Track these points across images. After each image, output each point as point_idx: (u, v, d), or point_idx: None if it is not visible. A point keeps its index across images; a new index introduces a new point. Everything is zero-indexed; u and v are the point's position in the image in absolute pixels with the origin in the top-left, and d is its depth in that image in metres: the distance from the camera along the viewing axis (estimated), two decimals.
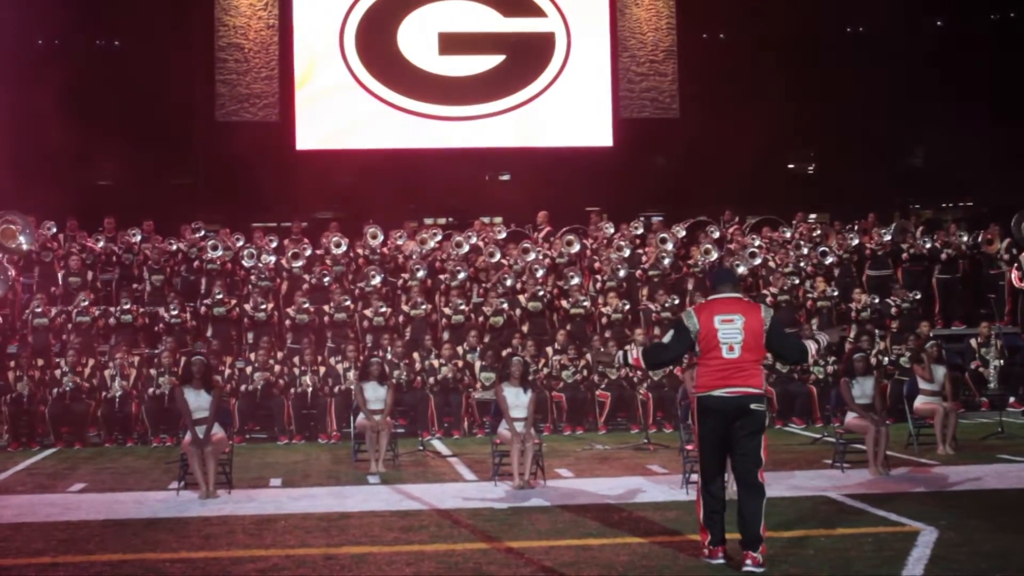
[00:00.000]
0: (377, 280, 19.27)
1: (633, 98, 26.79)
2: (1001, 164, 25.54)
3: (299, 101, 25.90)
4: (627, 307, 19.25)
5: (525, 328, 18.84)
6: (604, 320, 19.15)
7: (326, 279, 19.46)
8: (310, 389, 17.11)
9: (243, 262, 19.79)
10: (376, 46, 26.01)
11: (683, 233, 21.95)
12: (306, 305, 18.53)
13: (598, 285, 19.97)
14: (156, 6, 25.06)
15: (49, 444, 16.54)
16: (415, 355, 17.66)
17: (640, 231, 21.72)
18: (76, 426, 16.77)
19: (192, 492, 12.04)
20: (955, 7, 28.35)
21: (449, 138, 26.26)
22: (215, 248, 19.70)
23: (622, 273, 19.92)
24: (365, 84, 25.90)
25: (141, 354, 17.80)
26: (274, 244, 20.65)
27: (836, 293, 19.82)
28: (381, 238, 20.44)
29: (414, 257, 20.00)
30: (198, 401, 12.30)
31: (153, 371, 16.97)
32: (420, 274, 19.57)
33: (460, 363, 17.63)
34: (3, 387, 16.75)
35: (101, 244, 20.45)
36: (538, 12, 26.37)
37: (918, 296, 19.89)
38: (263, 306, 18.70)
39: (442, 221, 26.45)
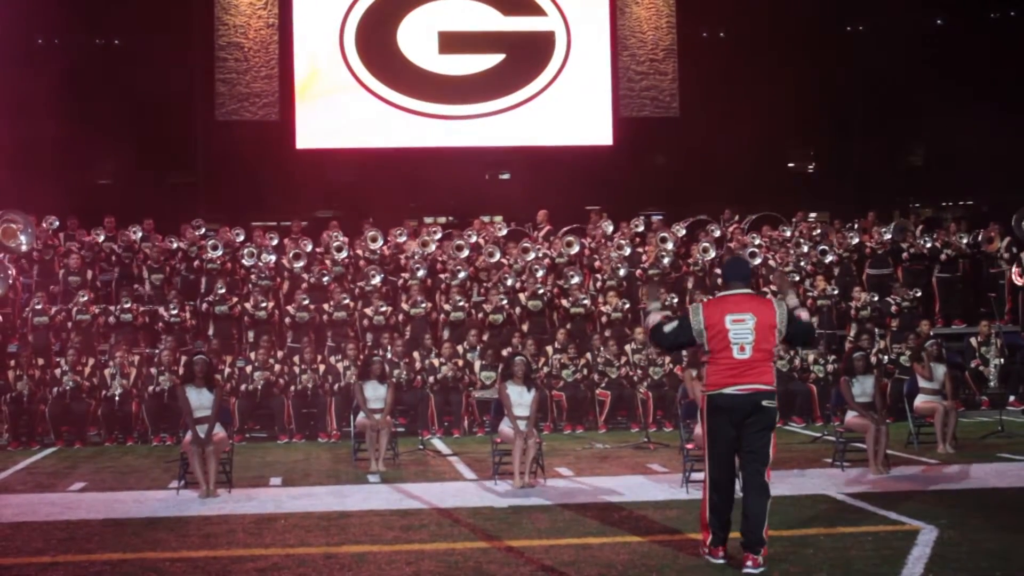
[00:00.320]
0: (377, 279, 19.26)
1: (633, 97, 26.79)
2: (1001, 163, 25.55)
3: (299, 100, 25.90)
4: (627, 306, 19.25)
5: (525, 327, 18.85)
6: (604, 319, 19.16)
7: (325, 278, 19.46)
8: (310, 388, 17.11)
9: (243, 261, 19.79)
10: (376, 45, 26.01)
11: (683, 232, 21.94)
12: (306, 303, 18.53)
13: (598, 284, 19.97)
14: (156, 5, 25.06)
15: (49, 443, 16.55)
16: (415, 354, 17.66)
17: (640, 230, 21.71)
18: (76, 425, 16.77)
19: (192, 491, 12.04)
20: (955, 5, 28.36)
21: (449, 137, 26.26)
22: (215, 248, 19.70)
23: (622, 272, 19.92)
24: (365, 83, 25.90)
25: (141, 353, 17.79)
26: (274, 243, 20.65)
27: (836, 292, 19.82)
28: (381, 242, 20.41)
29: (416, 257, 19.99)
30: (200, 400, 12.31)
31: (153, 370, 16.96)
32: (420, 273, 19.56)
33: (460, 362, 17.63)
34: (3, 386, 16.74)
35: (101, 239, 20.44)
36: (538, 11, 26.37)
37: (918, 295, 19.89)
38: (263, 305, 18.70)
39: (442, 220, 26.47)
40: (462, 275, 19.48)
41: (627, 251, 20.32)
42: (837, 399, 13.86)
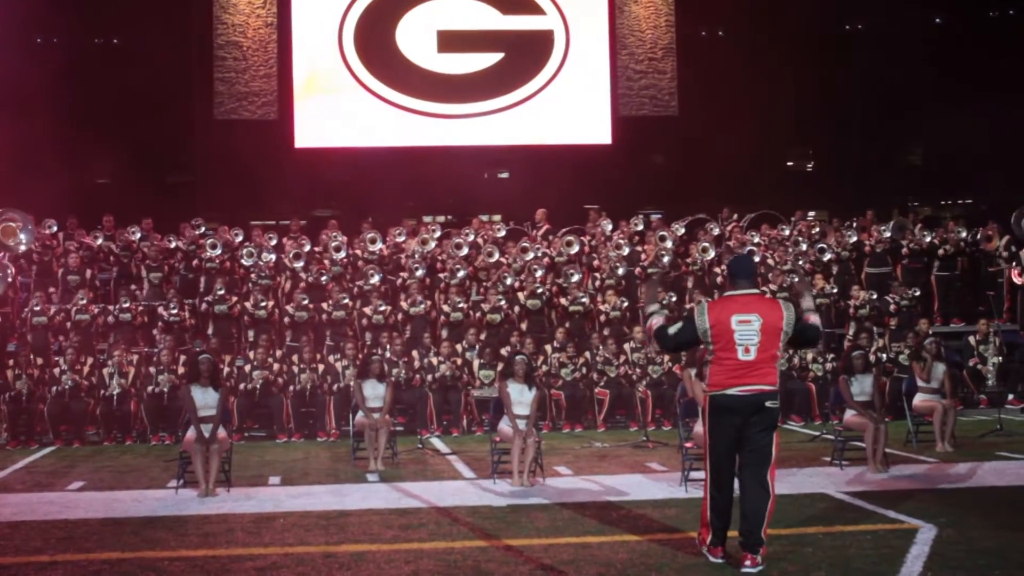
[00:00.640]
0: (376, 279, 19.26)
1: (632, 95, 26.80)
2: (1000, 161, 25.57)
3: (298, 99, 25.92)
4: (626, 305, 19.25)
5: (524, 326, 18.86)
6: (603, 318, 19.16)
7: (323, 278, 19.46)
8: (309, 387, 17.11)
9: (242, 260, 19.78)
10: (375, 44, 26.02)
11: (682, 231, 21.94)
12: (305, 303, 18.53)
13: (597, 283, 19.98)
14: (155, 4, 25.10)
15: (48, 442, 16.54)
16: (414, 353, 17.67)
17: (640, 228, 21.71)
18: (75, 424, 16.76)
19: (191, 490, 12.04)
20: (954, 4, 28.40)
21: (448, 136, 26.26)
22: (214, 247, 19.69)
23: (621, 271, 19.91)
24: (364, 82, 25.91)
25: (140, 352, 17.78)
26: (273, 242, 20.64)
27: (835, 290, 19.82)
28: (380, 244, 20.40)
29: (415, 257, 19.99)
30: (205, 399, 12.33)
31: (152, 369, 16.95)
32: (419, 272, 19.56)
33: (459, 361, 17.63)
34: (2, 385, 16.74)
35: (100, 242, 20.44)
36: (537, 10, 26.38)
37: (917, 293, 19.88)
38: (263, 304, 18.70)
39: (441, 219, 26.49)
40: (461, 274, 19.48)
41: (626, 250, 20.32)
42: (836, 398, 13.86)
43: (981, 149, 26.11)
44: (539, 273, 19.49)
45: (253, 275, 19.61)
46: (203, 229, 20.62)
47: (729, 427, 8.37)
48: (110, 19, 26.21)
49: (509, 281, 19.42)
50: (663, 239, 20.62)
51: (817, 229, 22.06)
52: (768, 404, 8.36)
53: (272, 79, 25.88)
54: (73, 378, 16.73)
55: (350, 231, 21.34)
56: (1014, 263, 20.43)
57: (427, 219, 25.53)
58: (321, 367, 17.37)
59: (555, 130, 26.45)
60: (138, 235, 20.53)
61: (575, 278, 19.58)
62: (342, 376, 17.03)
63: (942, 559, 8.50)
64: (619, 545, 9.18)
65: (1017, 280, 20.33)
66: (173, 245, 20.33)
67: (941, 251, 21.18)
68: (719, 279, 19.88)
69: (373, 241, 20.33)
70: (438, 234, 21.09)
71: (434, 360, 17.53)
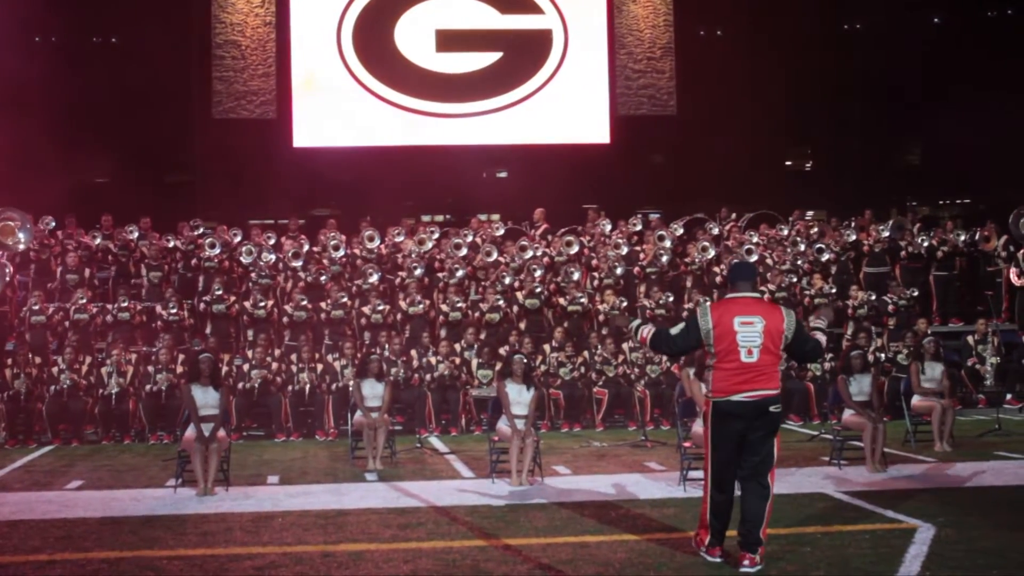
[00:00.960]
0: (375, 278, 19.25)
1: (630, 95, 26.79)
2: (999, 161, 25.57)
3: (296, 98, 25.90)
4: (624, 304, 19.25)
5: (522, 325, 18.86)
6: (601, 318, 19.15)
7: (322, 277, 19.45)
8: (308, 386, 17.10)
9: (241, 259, 19.78)
10: (373, 43, 26.01)
11: (681, 231, 21.93)
12: (304, 302, 18.52)
13: (595, 282, 19.97)
14: (153, 3, 25.06)
15: (46, 441, 16.52)
16: (413, 352, 17.66)
17: (638, 228, 21.70)
18: (73, 423, 16.74)
19: (189, 489, 12.04)
20: (952, 4, 28.40)
21: (446, 135, 26.25)
22: (213, 247, 19.69)
23: (619, 271, 19.91)
24: (362, 81, 25.90)
25: (138, 351, 17.78)
26: (272, 241, 20.63)
27: (833, 290, 19.82)
28: (378, 242, 20.39)
29: (412, 256, 19.98)
30: (205, 398, 12.34)
31: (150, 368, 16.94)
32: (417, 272, 19.55)
33: (458, 360, 17.63)
34: (0, 384, 16.73)
35: (98, 241, 20.43)
36: (535, 9, 26.37)
37: (915, 293, 19.89)
38: (262, 303, 18.68)
39: (439, 218, 26.50)
40: (460, 274, 19.48)
41: (624, 250, 20.32)
42: (834, 397, 13.87)
43: (980, 149, 26.11)
44: (538, 273, 19.48)
45: (253, 274, 19.60)
46: (201, 230, 20.60)
47: (732, 432, 8.35)
48: (108, 18, 26.19)
49: (508, 280, 19.42)
50: (662, 239, 20.61)
51: (816, 229, 22.05)
52: (771, 409, 8.34)
53: (270, 78, 25.87)
54: (71, 377, 16.72)
55: (348, 230, 21.33)
56: (1013, 264, 20.44)
57: (425, 218, 25.53)
58: (320, 366, 17.37)
59: (553, 129, 26.43)
60: (136, 234, 20.51)
61: (575, 276, 19.59)
62: (341, 375, 17.03)
63: (941, 559, 8.50)
64: (617, 544, 9.18)
65: (1015, 280, 20.34)
66: (171, 244, 20.31)
67: (939, 252, 21.18)
68: (718, 279, 19.90)
69: (371, 240, 20.32)
70: (436, 235, 21.09)
71: (433, 359, 17.53)
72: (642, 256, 20.63)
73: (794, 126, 28.65)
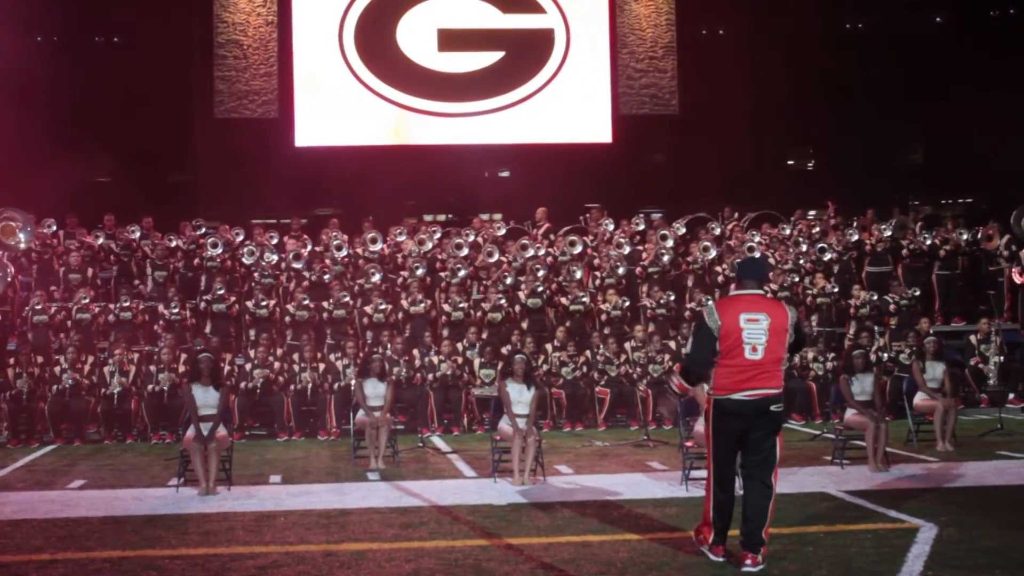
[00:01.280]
0: (377, 277, 19.25)
1: (632, 94, 26.78)
2: (1001, 161, 25.56)
3: (298, 97, 25.89)
4: (626, 304, 19.25)
5: (524, 324, 18.85)
6: (603, 317, 19.16)
7: (326, 276, 19.45)
8: (310, 386, 17.11)
9: (243, 259, 19.78)
10: (375, 42, 26.00)
11: (683, 230, 21.93)
12: (306, 302, 18.53)
13: (597, 282, 19.97)
14: (155, 3, 25.06)
15: (48, 441, 16.53)
16: (415, 352, 17.66)
17: (641, 228, 21.70)
18: (75, 423, 16.76)
19: (191, 488, 12.04)
20: (955, 3, 28.38)
21: (448, 134, 26.24)
22: (215, 246, 19.69)
23: (621, 270, 19.91)
24: (364, 80, 25.90)
25: (141, 351, 17.79)
26: (274, 241, 20.64)
27: (836, 289, 19.81)
28: (380, 244, 20.38)
29: (414, 256, 19.98)
30: (205, 398, 12.34)
31: (152, 368, 16.96)
32: (419, 272, 19.55)
33: (459, 360, 17.63)
34: (3, 384, 16.75)
35: (100, 241, 20.43)
36: (537, 8, 26.36)
37: (917, 293, 19.88)
38: (264, 303, 18.68)
39: (441, 218, 26.50)
40: (462, 273, 19.48)
41: (626, 249, 20.32)
42: (836, 397, 13.86)
43: (982, 148, 26.10)
44: (541, 273, 19.47)
45: (256, 274, 19.61)
46: (203, 230, 20.61)
47: (732, 430, 8.33)
48: (111, 18, 26.19)
49: (509, 281, 19.42)
50: (664, 238, 20.60)
51: (817, 229, 22.03)
52: (772, 408, 8.32)
53: (272, 77, 25.86)
54: (74, 377, 16.74)
55: (351, 230, 21.33)
56: (1015, 264, 20.42)
57: (428, 218, 25.51)
58: (322, 366, 17.37)
59: (555, 129, 26.42)
60: (138, 234, 20.51)
61: (578, 275, 19.60)
62: (343, 375, 17.04)
63: (943, 558, 8.50)
64: (620, 544, 9.18)
65: (1018, 279, 20.33)
66: (174, 244, 20.32)
67: (942, 251, 21.17)
68: (719, 278, 19.90)
69: (374, 240, 20.31)
70: (438, 234, 21.08)
71: (435, 359, 17.53)
72: (644, 255, 20.62)
73: (796, 125, 28.63)
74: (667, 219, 22.71)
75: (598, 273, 20.17)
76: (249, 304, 18.75)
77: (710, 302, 8.64)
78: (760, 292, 8.66)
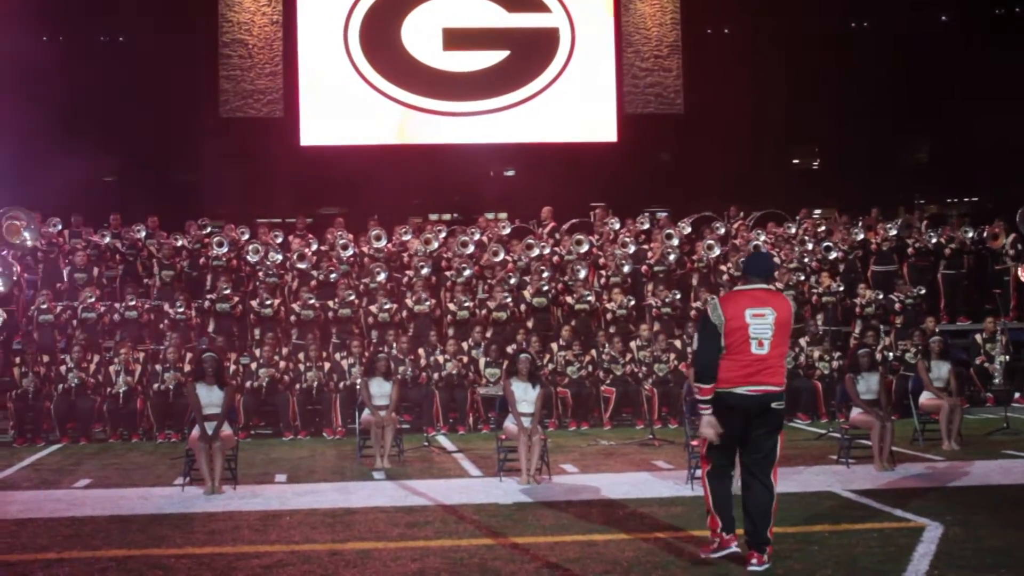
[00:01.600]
0: (382, 276, 19.26)
1: (637, 93, 26.78)
2: (1006, 159, 25.53)
3: (303, 97, 25.93)
4: (632, 303, 19.25)
5: (530, 324, 18.86)
6: (609, 316, 19.15)
7: (332, 275, 19.46)
8: (315, 385, 17.12)
9: (248, 258, 19.80)
10: (380, 41, 26.02)
11: (689, 229, 21.92)
12: (311, 301, 18.54)
13: (603, 281, 19.97)
14: (160, 3, 25.10)
15: (54, 440, 16.54)
16: (420, 351, 17.67)
17: (646, 227, 21.70)
18: (81, 422, 16.77)
19: (197, 488, 12.04)
20: (960, 2, 28.36)
21: (453, 134, 26.26)
22: (221, 245, 19.72)
23: (627, 269, 19.91)
24: (369, 79, 25.92)
25: (146, 350, 17.80)
26: (279, 240, 20.66)
27: (841, 288, 19.80)
28: (385, 241, 20.38)
29: (419, 255, 19.99)
30: (210, 397, 12.33)
31: (158, 367, 16.97)
32: (424, 271, 19.55)
33: (465, 359, 17.63)
34: (8, 383, 16.78)
35: (107, 240, 20.45)
36: (542, 7, 26.38)
37: (923, 292, 19.86)
38: (269, 302, 18.69)
39: (447, 217, 26.49)
40: (467, 273, 19.48)
41: (631, 248, 20.32)
42: (842, 396, 13.85)
43: (987, 147, 26.07)
44: (546, 275, 19.46)
45: (260, 273, 19.62)
46: (209, 229, 20.62)
47: (732, 426, 8.24)
48: (116, 17, 26.23)
49: (513, 281, 19.42)
50: (669, 237, 20.60)
51: (823, 228, 22.01)
52: (774, 405, 8.27)
53: (277, 77, 25.89)
54: (79, 376, 16.75)
55: (356, 229, 21.34)
56: (1020, 261, 20.39)
57: (433, 217, 25.51)
58: (327, 365, 17.39)
59: (561, 128, 26.44)
60: (143, 233, 20.53)
61: (582, 274, 19.60)
62: (348, 374, 17.05)
63: (949, 557, 8.48)
64: (625, 543, 9.17)
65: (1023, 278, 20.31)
66: (179, 243, 20.34)
67: (947, 250, 21.14)
68: (724, 277, 19.89)
69: (378, 239, 20.32)
70: (443, 233, 21.09)
71: (440, 358, 17.54)
72: (650, 254, 20.62)
73: (801, 124, 28.62)
74: (672, 218, 22.73)
75: (603, 272, 20.17)
76: (254, 303, 18.76)
77: (714, 299, 8.53)
78: (765, 286, 8.54)
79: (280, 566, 8.61)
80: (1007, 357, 18.69)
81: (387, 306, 18.67)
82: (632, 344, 18.09)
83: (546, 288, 19.21)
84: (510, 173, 29.14)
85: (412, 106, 26.03)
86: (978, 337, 19.11)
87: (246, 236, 20.81)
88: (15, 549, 9.37)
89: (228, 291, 18.67)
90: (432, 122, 26.17)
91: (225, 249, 19.73)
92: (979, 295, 21.67)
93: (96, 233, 20.65)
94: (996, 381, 18.68)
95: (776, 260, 20.34)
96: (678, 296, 19.37)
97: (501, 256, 20.06)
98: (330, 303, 18.65)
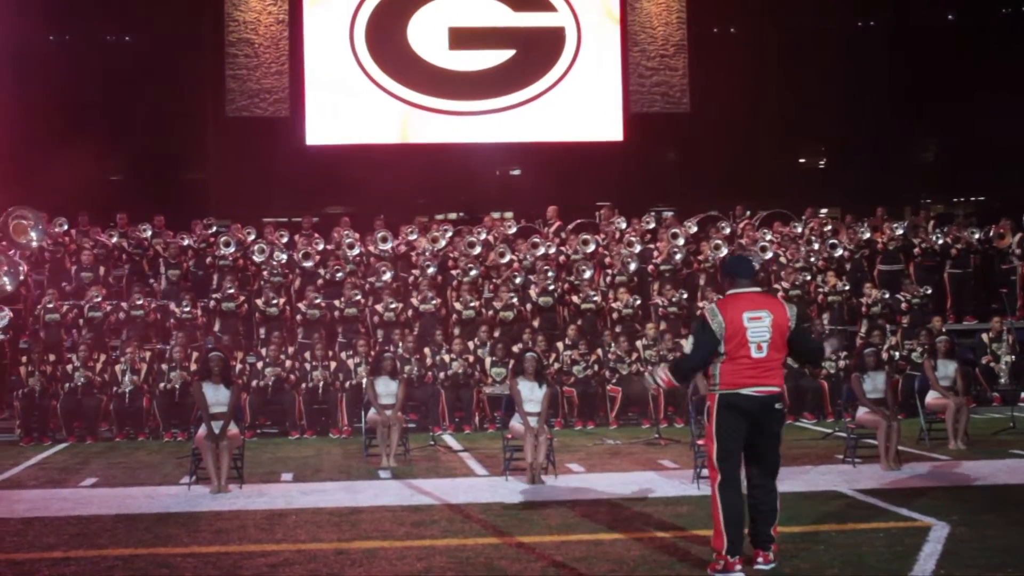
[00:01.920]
0: (388, 276, 19.27)
1: (643, 92, 26.75)
2: (1013, 158, 25.49)
3: (309, 96, 25.91)
4: (637, 302, 19.24)
5: (536, 323, 18.86)
6: (615, 315, 19.14)
7: (339, 275, 19.46)
8: (321, 384, 17.13)
9: (254, 257, 19.82)
10: (386, 41, 26.01)
11: (695, 228, 21.90)
12: (317, 300, 18.55)
13: (608, 280, 19.96)
14: (167, 2, 25.12)
15: (61, 439, 16.58)
16: (426, 350, 17.68)
17: (652, 226, 21.69)
18: (88, 421, 16.81)
19: (203, 487, 12.06)
20: (966, 1, 28.32)
21: (459, 133, 26.25)
22: (227, 244, 19.73)
23: (632, 268, 19.90)
24: (375, 79, 25.91)
25: (152, 349, 17.83)
26: (285, 239, 20.67)
27: (847, 288, 19.77)
28: (391, 242, 20.38)
29: (426, 254, 20.00)
30: (216, 396, 12.35)
31: (164, 366, 17.00)
32: (430, 270, 19.56)
33: (471, 358, 17.64)
34: (15, 382, 16.81)
35: (114, 239, 20.47)
36: (548, 6, 26.36)
37: (929, 291, 19.83)
38: (275, 301, 18.71)
39: (452, 216, 26.50)
40: (473, 272, 19.47)
41: (637, 247, 20.30)
42: (848, 395, 13.84)
43: (993, 146, 26.03)
44: (552, 274, 19.45)
45: (265, 272, 19.63)
46: (215, 229, 20.64)
47: (737, 427, 8.23)
48: (122, 17, 26.26)
49: (519, 280, 19.41)
50: (675, 236, 20.58)
51: (829, 227, 21.99)
52: (777, 406, 8.30)
53: (283, 76, 25.88)
54: (86, 375, 16.79)
55: (362, 228, 21.35)
56: None
57: (439, 216, 25.52)
58: (333, 364, 17.40)
59: (567, 127, 26.42)
60: (150, 232, 20.55)
61: (587, 274, 19.59)
62: (354, 373, 17.06)
63: (955, 557, 8.47)
64: (631, 542, 9.17)
65: None
66: (185, 243, 20.36)
67: (953, 250, 21.11)
68: (721, 277, 19.84)
69: (384, 240, 20.33)
70: (449, 233, 21.08)
71: (446, 357, 17.54)
72: (656, 254, 20.60)
73: (807, 123, 28.58)
74: (678, 217, 22.71)
75: (609, 271, 20.16)
76: (259, 302, 18.77)
77: (712, 304, 8.50)
78: (757, 289, 8.59)
79: (286, 565, 8.62)
80: (1013, 356, 18.67)
81: (393, 305, 18.68)
82: (638, 343, 18.08)
83: (552, 287, 19.20)
84: (516, 172, 29.13)
85: (418, 105, 26.02)
86: (984, 336, 19.08)
87: (252, 236, 20.81)
88: (21, 548, 9.40)
89: (232, 290, 18.68)
90: (438, 121, 26.16)
91: (231, 249, 19.75)
92: (985, 294, 21.63)
93: (103, 232, 20.67)
94: (1002, 380, 18.66)
95: (782, 259, 20.38)
96: (684, 295, 19.36)
97: (507, 258, 20.04)
98: (336, 302, 18.66)
